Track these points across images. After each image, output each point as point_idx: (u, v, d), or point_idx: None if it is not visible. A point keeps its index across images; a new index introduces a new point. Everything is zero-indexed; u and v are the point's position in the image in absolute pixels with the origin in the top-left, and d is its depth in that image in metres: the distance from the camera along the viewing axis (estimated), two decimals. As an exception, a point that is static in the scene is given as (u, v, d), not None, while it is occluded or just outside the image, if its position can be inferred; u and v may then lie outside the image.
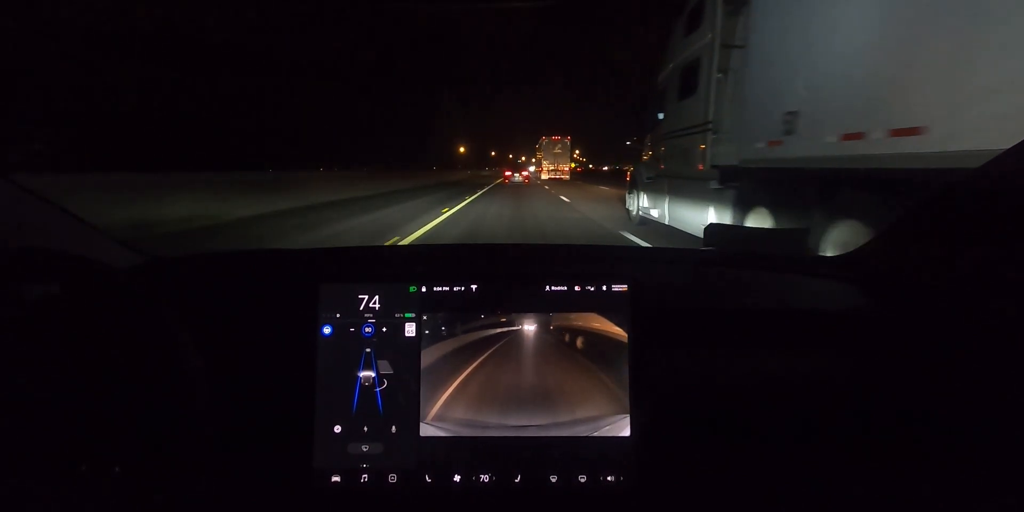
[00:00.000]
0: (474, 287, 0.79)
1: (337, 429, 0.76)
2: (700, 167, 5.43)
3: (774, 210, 4.17)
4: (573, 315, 0.77)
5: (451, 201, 13.91)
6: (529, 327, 0.77)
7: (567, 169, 57.95)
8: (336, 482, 0.75)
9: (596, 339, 0.77)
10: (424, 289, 0.79)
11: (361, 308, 0.78)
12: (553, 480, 0.74)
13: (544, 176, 54.88)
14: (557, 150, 58.95)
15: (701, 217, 5.51)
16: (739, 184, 4.76)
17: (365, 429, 0.76)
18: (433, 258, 0.94)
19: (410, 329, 0.78)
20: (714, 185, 5.06)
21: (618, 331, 0.77)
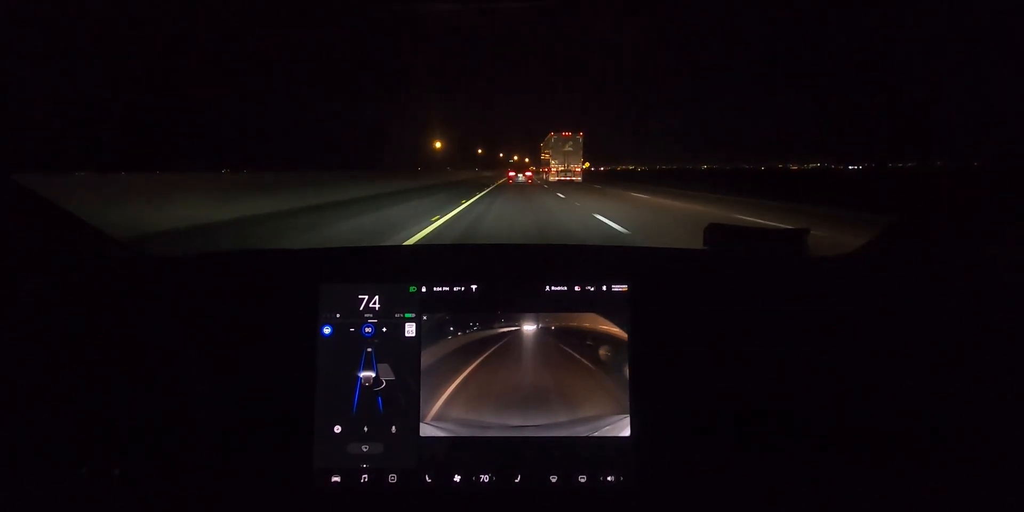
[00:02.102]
0: (474, 287, 0.84)
1: (337, 429, 0.81)
2: None
3: None
4: (573, 315, 0.83)
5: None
6: (529, 327, 0.83)
7: (579, 169, 51.99)
8: (336, 482, 0.80)
9: (596, 339, 0.82)
10: (424, 289, 0.84)
11: (361, 308, 0.84)
12: (553, 480, 0.79)
13: (552, 178, 49.34)
14: (568, 148, 52.99)
15: None
16: None
17: (365, 429, 0.81)
18: (433, 258, 0.99)
19: (410, 329, 0.83)
20: None
21: (618, 331, 0.82)
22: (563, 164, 52.21)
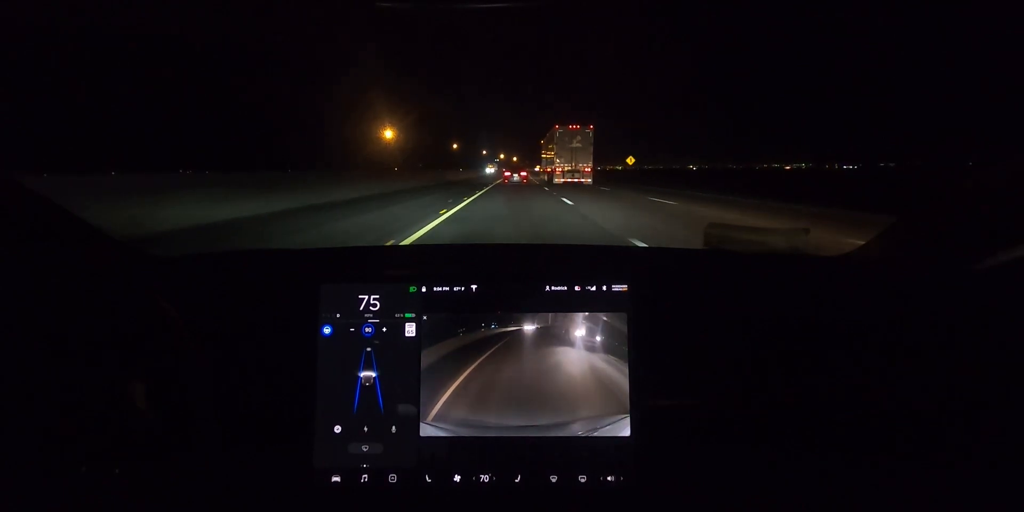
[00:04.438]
0: (474, 287, 0.90)
1: (337, 429, 0.87)
2: None
3: None
4: (573, 315, 0.89)
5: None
6: (529, 327, 0.89)
7: (589, 169, 44.29)
8: (336, 482, 0.86)
9: (596, 339, 0.88)
10: (424, 289, 0.90)
11: (361, 308, 0.90)
12: (553, 480, 0.85)
13: (558, 179, 43.01)
14: (576, 143, 44.67)
15: None
16: None
17: (365, 429, 0.87)
18: (433, 258, 1.05)
19: (410, 329, 0.89)
20: None
21: (618, 331, 0.88)
22: (571, 163, 44.38)
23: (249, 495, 0.87)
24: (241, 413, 0.89)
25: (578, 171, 43.38)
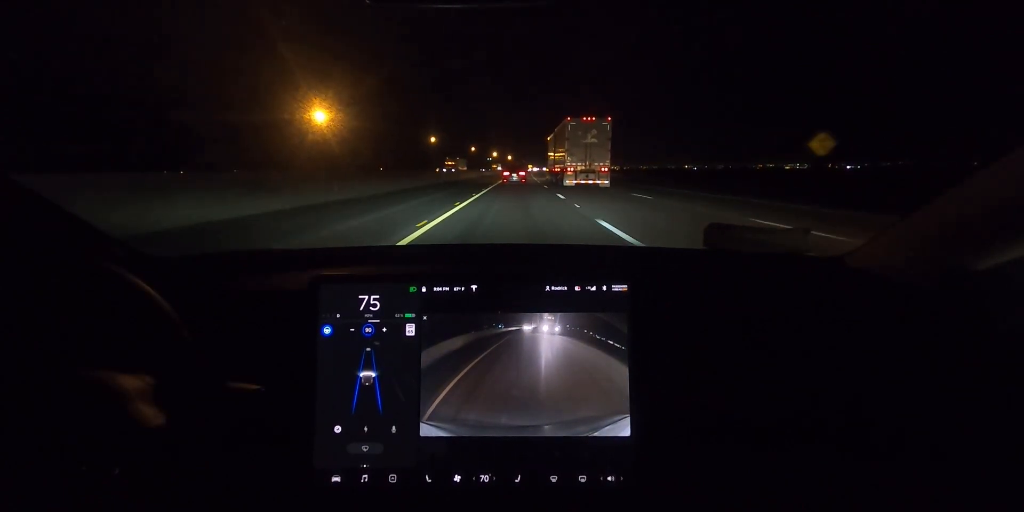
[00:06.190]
0: (474, 287, 0.93)
1: (337, 429, 0.90)
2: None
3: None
4: (573, 315, 0.91)
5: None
6: (529, 327, 0.91)
7: (607, 168, 37.97)
8: (336, 482, 0.89)
9: (596, 339, 0.90)
10: (424, 289, 0.93)
11: (361, 308, 0.93)
12: (553, 480, 0.87)
13: (569, 181, 37.49)
14: (591, 139, 38.19)
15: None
16: None
17: (365, 429, 0.90)
18: (433, 258, 1.08)
19: (410, 329, 0.92)
20: None
21: (618, 331, 0.90)
22: (585, 162, 38.12)
23: (249, 495, 0.90)
24: (242, 413, 0.92)
25: (593, 171, 38.09)
